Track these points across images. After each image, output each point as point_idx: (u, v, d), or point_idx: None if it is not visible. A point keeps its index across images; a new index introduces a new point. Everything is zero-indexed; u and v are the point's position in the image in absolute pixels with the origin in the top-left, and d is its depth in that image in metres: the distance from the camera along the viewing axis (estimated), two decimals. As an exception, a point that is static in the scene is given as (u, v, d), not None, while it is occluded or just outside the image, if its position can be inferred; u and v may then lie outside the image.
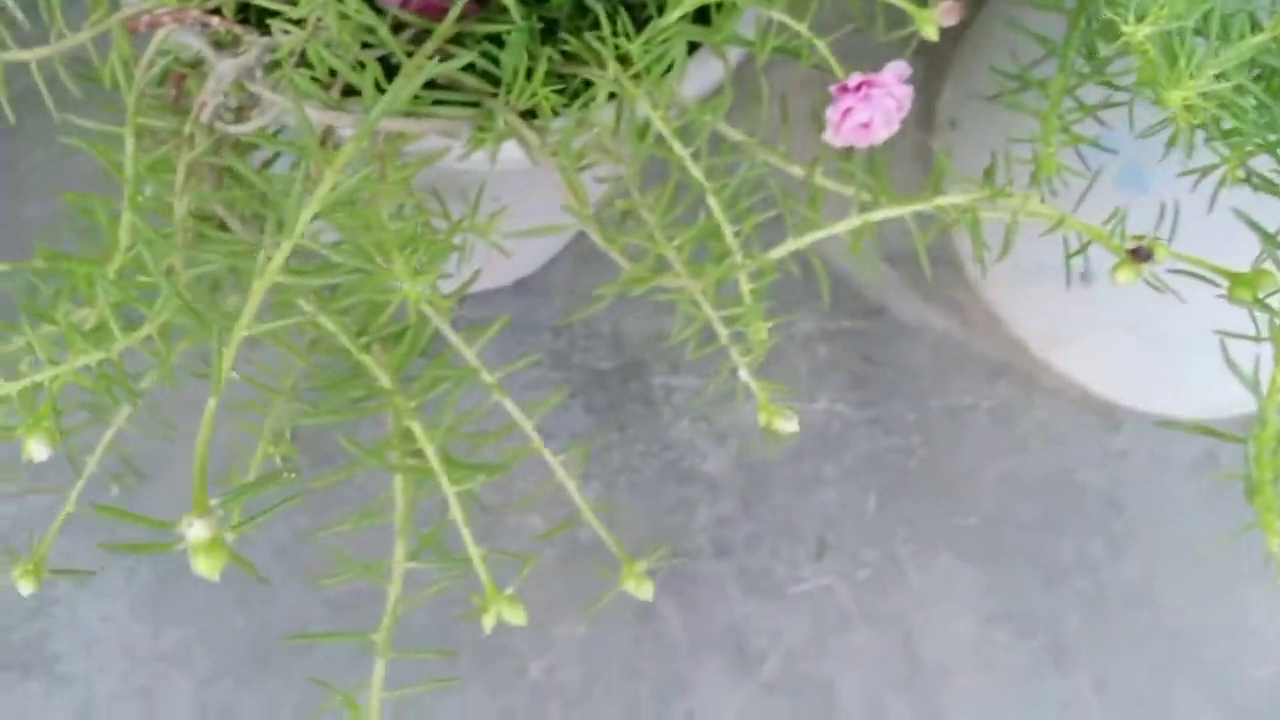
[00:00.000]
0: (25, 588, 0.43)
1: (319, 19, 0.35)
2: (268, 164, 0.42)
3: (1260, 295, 0.39)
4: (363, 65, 0.36)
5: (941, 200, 0.41)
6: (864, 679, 0.68)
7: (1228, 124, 0.35)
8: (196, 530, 0.25)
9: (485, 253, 0.43)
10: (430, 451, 0.39)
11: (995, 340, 0.74)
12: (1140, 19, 0.32)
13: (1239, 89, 0.33)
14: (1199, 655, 0.71)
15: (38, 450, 0.30)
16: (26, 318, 0.35)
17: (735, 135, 0.41)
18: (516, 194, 0.47)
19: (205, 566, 0.26)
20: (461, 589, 0.40)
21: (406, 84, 0.35)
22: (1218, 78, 0.32)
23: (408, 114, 0.37)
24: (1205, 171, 0.39)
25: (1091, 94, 0.43)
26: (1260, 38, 0.33)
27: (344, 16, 0.36)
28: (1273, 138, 0.35)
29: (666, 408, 0.69)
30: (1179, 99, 0.32)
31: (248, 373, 0.43)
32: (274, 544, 0.62)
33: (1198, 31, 0.33)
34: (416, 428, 0.40)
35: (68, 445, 0.40)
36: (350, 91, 0.38)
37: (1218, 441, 0.42)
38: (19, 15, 0.37)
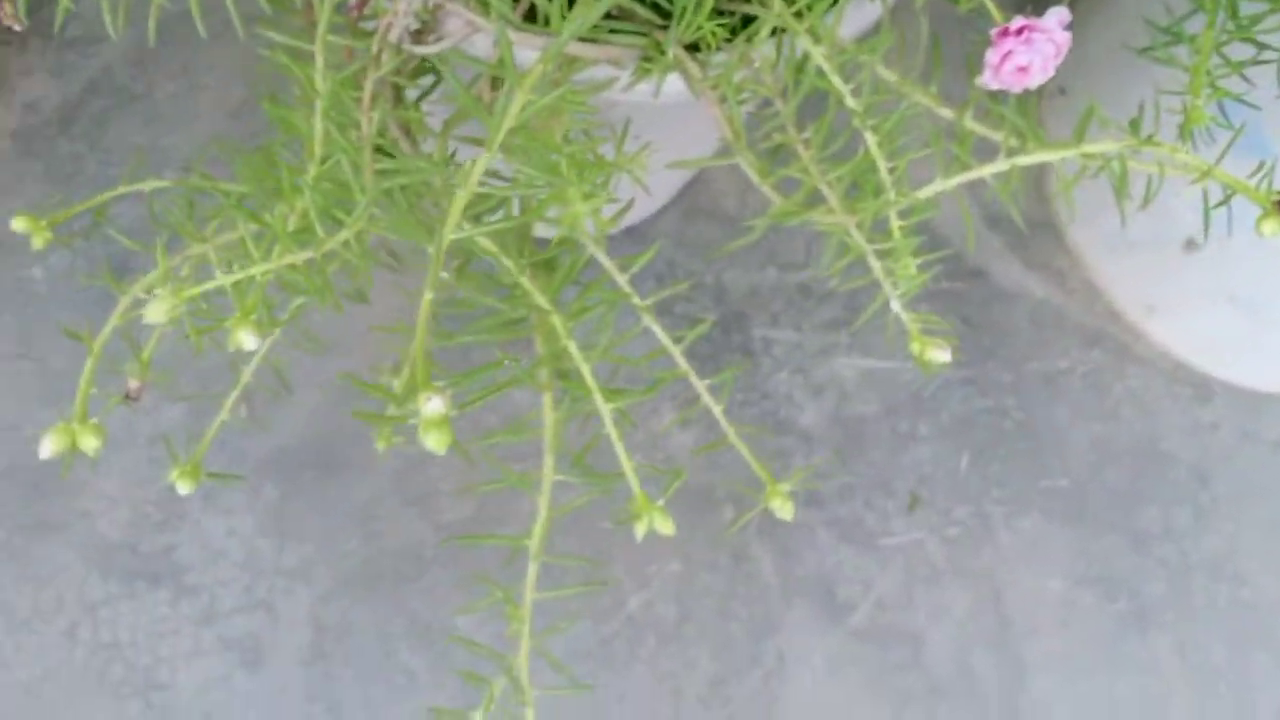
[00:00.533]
0: (183, 487, 0.46)
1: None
2: (426, 92, 0.43)
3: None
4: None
5: (1089, 148, 0.42)
6: (951, 633, 0.69)
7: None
8: (434, 405, 0.27)
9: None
10: (585, 371, 0.41)
11: (1092, 308, 0.75)
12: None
13: None
14: (1278, 628, 0.71)
15: (247, 340, 0.32)
16: (219, 223, 0.36)
17: (889, 76, 0.42)
18: (654, 132, 0.48)
19: (434, 442, 0.27)
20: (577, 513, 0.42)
21: (591, 8, 0.36)
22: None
23: (586, 40, 0.38)
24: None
25: (1235, 51, 0.44)
26: None
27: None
28: None
29: (766, 359, 0.71)
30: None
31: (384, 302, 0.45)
32: (391, 471, 0.64)
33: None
34: (572, 347, 0.41)
35: (226, 355, 0.43)
36: (526, 19, 0.39)
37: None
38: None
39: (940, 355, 0.39)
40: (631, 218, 0.72)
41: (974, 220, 0.76)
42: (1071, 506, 0.72)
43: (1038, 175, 0.76)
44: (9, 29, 0.39)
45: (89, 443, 0.35)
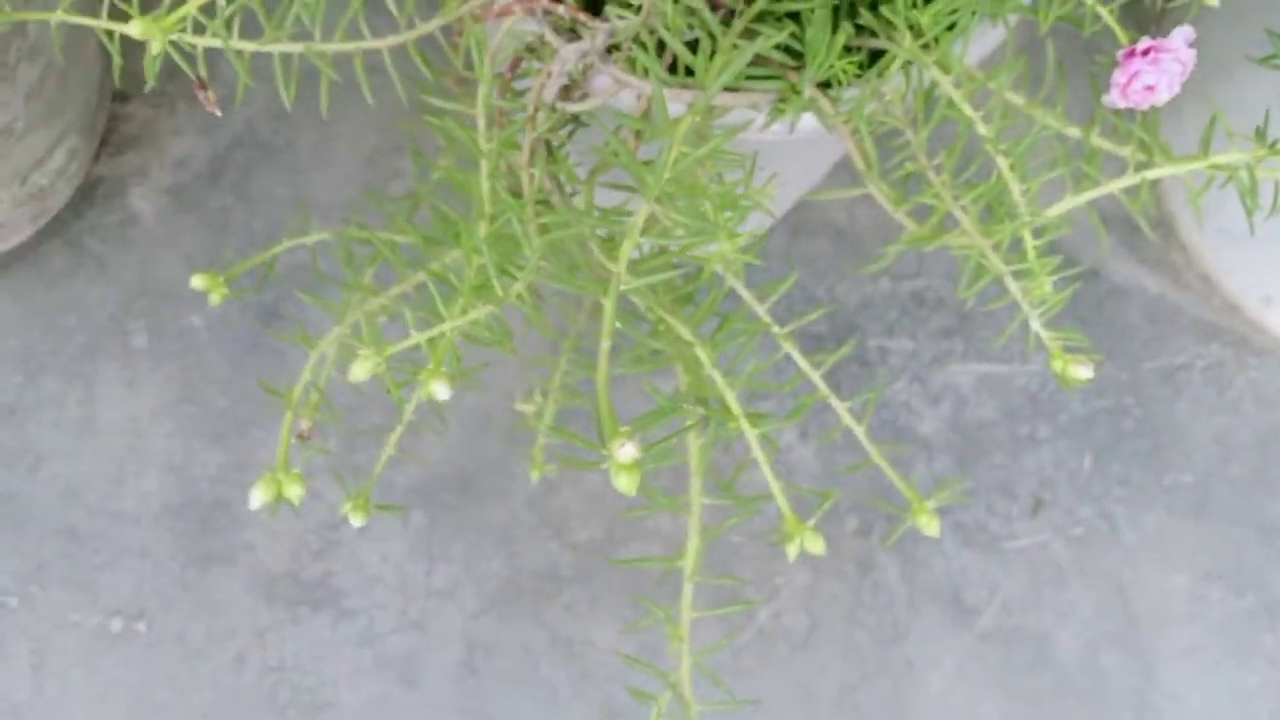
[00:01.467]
0: (355, 520, 0.49)
1: (653, 4, 0.39)
2: (567, 139, 0.46)
3: None
4: (691, 47, 0.40)
5: (1218, 159, 0.43)
6: (1078, 632, 0.70)
7: None
8: (627, 451, 0.29)
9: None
10: (730, 399, 0.43)
11: (1208, 301, 0.74)
12: None
13: None
14: None
15: (441, 391, 0.35)
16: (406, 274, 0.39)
17: (1017, 100, 0.44)
18: (778, 161, 0.50)
19: (626, 485, 0.30)
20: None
21: (737, 61, 0.38)
22: None
23: (728, 89, 0.41)
24: None
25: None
26: None
27: (675, 1, 0.39)
28: None
29: (882, 369, 0.72)
30: None
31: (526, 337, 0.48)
32: (526, 496, 0.67)
33: None
34: (718, 377, 0.44)
35: (391, 391, 0.46)
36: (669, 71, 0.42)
37: None
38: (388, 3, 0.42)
39: (1083, 373, 0.41)
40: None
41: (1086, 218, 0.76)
42: (1196, 502, 0.72)
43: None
44: (162, 93, 0.42)
45: (294, 491, 0.39)
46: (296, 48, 0.43)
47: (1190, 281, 0.75)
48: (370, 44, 0.43)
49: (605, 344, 0.33)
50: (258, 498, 0.38)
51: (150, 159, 0.70)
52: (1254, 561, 0.71)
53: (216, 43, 0.41)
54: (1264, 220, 0.45)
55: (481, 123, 0.41)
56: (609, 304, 0.33)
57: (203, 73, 0.41)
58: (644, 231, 0.37)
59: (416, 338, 0.35)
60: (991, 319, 0.73)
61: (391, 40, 0.43)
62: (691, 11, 0.40)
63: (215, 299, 0.49)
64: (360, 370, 0.34)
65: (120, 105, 0.70)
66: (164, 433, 0.67)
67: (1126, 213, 0.74)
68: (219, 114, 0.39)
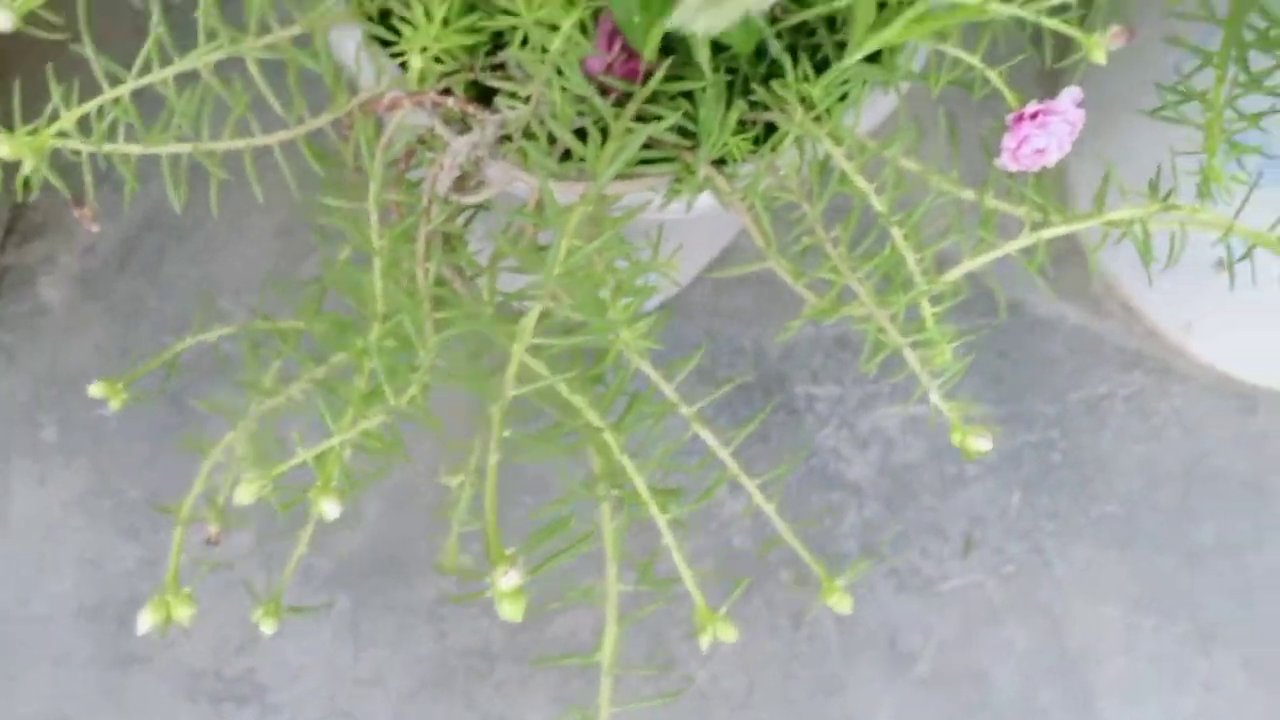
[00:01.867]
0: (267, 628, 0.47)
1: (542, 94, 0.39)
2: (466, 222, 0.45)
3: None
4: (582, 134, 0.39)
5: (1112, 215, 0.43)
6: (1015, 670, 0.70)
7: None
8: (510, 579, 0.28)
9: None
10: (640, 484, 0.43)
11: (1130, 330, 0.76)
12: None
13: None
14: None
15: (330, 510, 0.34)
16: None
17: (912, 166, 0.44)
18: (685, 228, 0.50)
19: (510, 611, 0.29)
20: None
21: (627, 150, 0.38)
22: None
23: (622, 176, 0.40)
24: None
25: (1249, 103, 0.45)
26: None
27: (564, 90, 0.39)
28: None
29: (810, 416, 0.72)
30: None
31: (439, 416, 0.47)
32: (456, 578, 0.66)
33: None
34: (627, 463, 0.43)
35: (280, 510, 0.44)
36: (562, 157, 0.41)
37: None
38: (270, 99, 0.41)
39: (982, 444, 0.41)
40: (668, 291, 0.74)
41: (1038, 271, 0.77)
42: (1124, 532, 0.72)
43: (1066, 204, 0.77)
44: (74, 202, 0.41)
45: (182, 612, 0.37)
46: (184, 148, 0.42)
47: (1111, 310, 0.76)
48: (260, 140, 0.42)
49: (492, 459, 0.32)
50: (145, 622, 0.37)
51: (58, 246, 0.68)
52: (1184, 588, 0.72)
53: (99, 149, 0.40)
54: (1161, 269, 0.46)
55: (374, 218, 0.40)
56: (497, 415, 0.32)
57: (87, 179, 0.40)
58: (541, 321, 0.36)
59: (302, 455, 0.34)
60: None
61: (282, 135, 0.43)
62: (582, 99, 0.40)
63: (115, 405, 0.48)
64: (246, 494, 0.33)
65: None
66: (77, 528, 0.64)
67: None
68: (95, 229, 0.38)
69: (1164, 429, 0.74)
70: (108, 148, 0.40)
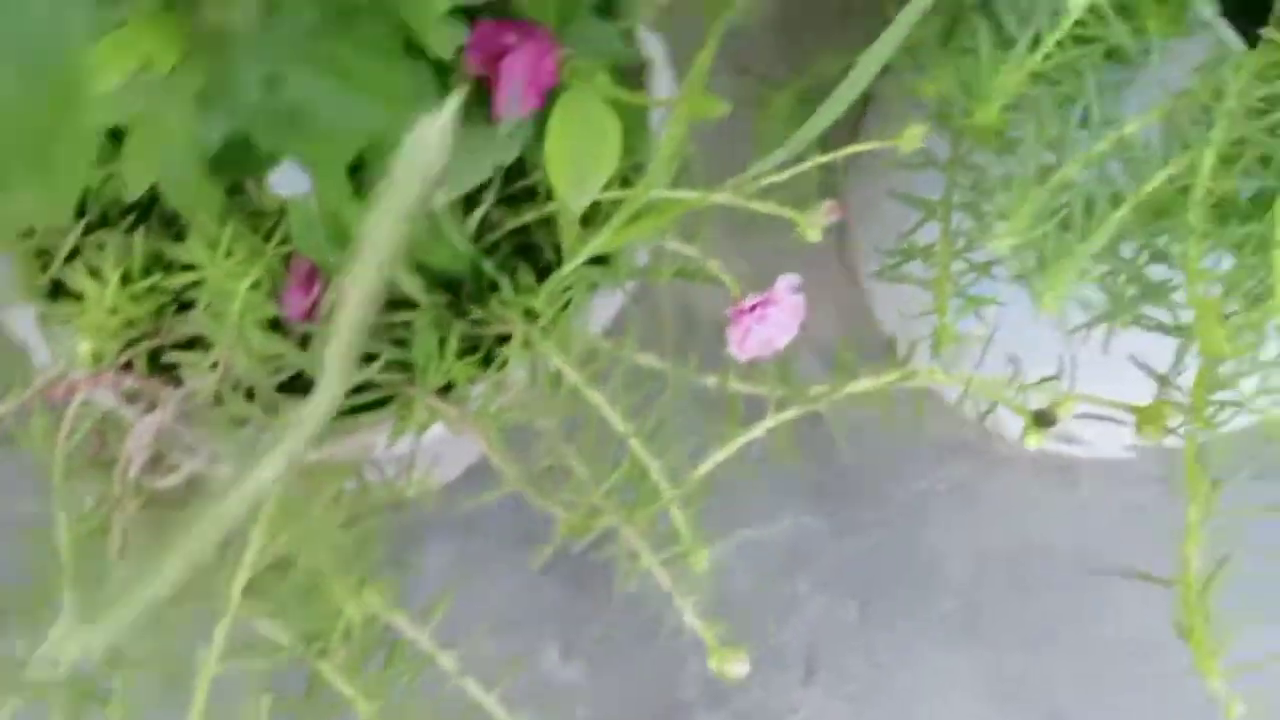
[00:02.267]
0: None
1: (226, 361, 0.37)
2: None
3: (1166, 426, 0.41)
4: (293, 386, 0.37)
5: (853, 388, 0.43)
6: (877, 786, 0.69)
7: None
8: None
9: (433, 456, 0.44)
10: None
11: (945, 420, 0.76)
12: (1002, 219, 0.34)
13: (1112, 270, 0.35)
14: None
15: None
16: None
17: (650, 361, 0.43)
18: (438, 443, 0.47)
19: None
20: None
21: (321, 413, 0.36)
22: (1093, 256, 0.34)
23: (336, 419, 0.38)
24: (1093, 323, 0.41)
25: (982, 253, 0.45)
26: (1120, 212, 0.35)
27: (251, 352, 0.37)
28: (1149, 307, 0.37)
29: (642, 559, 0.70)
30: (1051, 301, 0.34)
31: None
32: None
33: (1064, 225, 0.35)
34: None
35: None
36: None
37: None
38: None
39: (740, 669, 0.39)
40: (472, 458, 0.71)
41: (805, 352, 0.76)
42: (963, 626, 0.72)
43: (866, 305, 0.76)
44: None
45: None
46: None
47: (925, 404, 0.76)
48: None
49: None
50: None
51: None
52: (1032, 674, 0.72)
53: None
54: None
55: (60, 520, 0.37)
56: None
57: None
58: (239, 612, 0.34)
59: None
60: (733, 485, 0.73)
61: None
62: (275, 356, 0.38)
63: None
64: None
65: None
66: None
67: (851, 336, 0.75)
68: None
69: (989, 515, 0.75)
70: None
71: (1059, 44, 0.38)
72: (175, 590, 0.37)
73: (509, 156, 0.36)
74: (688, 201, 0.40)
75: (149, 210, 0.43)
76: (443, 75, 0.31)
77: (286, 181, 0.36)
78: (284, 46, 0.24)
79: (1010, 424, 0.76)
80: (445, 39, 0.29)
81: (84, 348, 0.36)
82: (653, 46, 0.42)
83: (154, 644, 0.37)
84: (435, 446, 0.45)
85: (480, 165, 0.35)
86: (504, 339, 0.43)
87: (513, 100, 0.35)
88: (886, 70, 0.33)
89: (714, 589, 0.70)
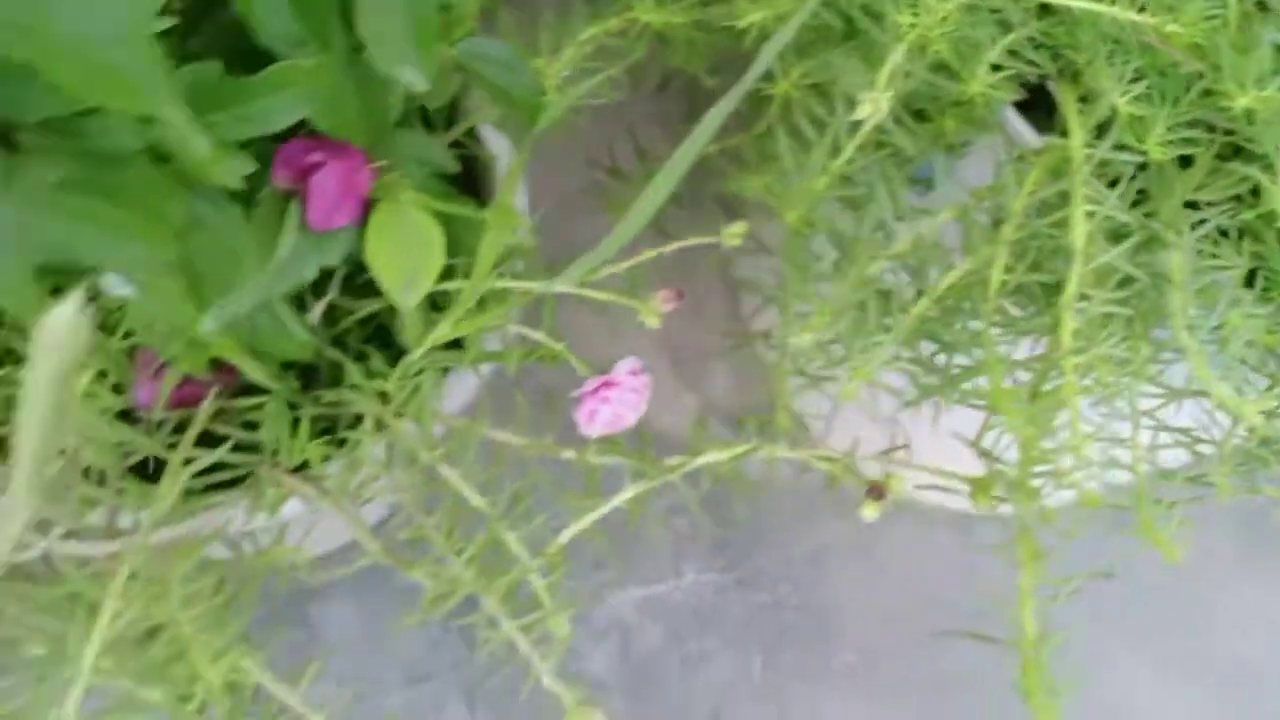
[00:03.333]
0: None
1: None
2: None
3: (995, 496, 0.43)
4: (144, 466, 0.38)
5: (703, 459, 0.44)
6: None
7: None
8: None
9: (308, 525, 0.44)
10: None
11: (839, 477, 0.78)
12: (805, 321, 0.35)
13: (914, 360, 0.37)
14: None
15: None
16: None
17: (509, 438, 0.44)
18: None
19: None
20: None
21: (163, 503, 0.37)
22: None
23: (183, 513, 0.39)
24: (907, 405, 0.43)
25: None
26: (920, 306, 0.37)
27: (100, 443, 0.38)
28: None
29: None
30: (851, 391, 0.36)
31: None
32: None
33: (861, 319, 0.36)
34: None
35: None
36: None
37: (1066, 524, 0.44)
38: None
39: (597, 720, 0.41)
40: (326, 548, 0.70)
41: (714, 417, 0.78)
42: (866, 678, 0.73)
43: (755, 370, 0.78)
44: None
45: None
46: None
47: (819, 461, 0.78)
48: None
49: None
50: None
51: None
52: None
53: None
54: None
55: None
56: None
57: None
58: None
59: None
60: (640, 542, 0.74)
61: None
62: (118, 444, 0.39)
63: None
64: None
65: None
66: None
67: (744, 406, 0.76)
68: None
69: (886, 568, 0.76)
70: None
71: (859, 148, 0.40)
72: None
73: (333, 260, 0.37)
74: (526, 292, 0.42)
75: None
76: (243, 192, 0.32)
77: (117, 284, 0.37)
78: (28, 200, 0.25)
79: (905, 478, 0.78)
80: (231, 171, 0.31)
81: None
82: (496, 144, 0.44)
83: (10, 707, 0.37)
84: (311, 517, 0.46)
85: (306, 267, 0.36)
86: (359, 419, 0.44)
87: (327, 213, 0.36)
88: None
89: (621, 645, 0.71)
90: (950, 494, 0.78)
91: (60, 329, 0.19)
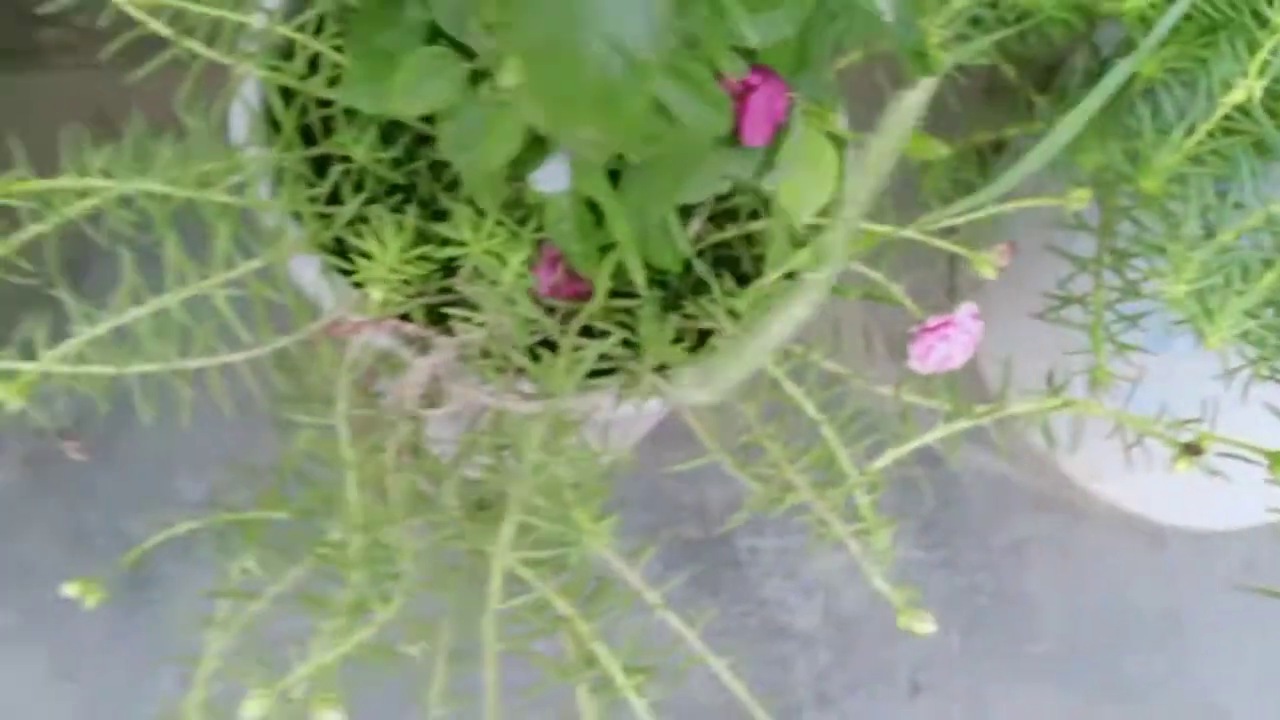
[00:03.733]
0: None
1: (496, 320, 0.43)
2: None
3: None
4: (535, 355, 0.43)
5: (1014, 409, 0.48)
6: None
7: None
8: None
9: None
10: (615, 669, 0.45)
11: (1044, 477, 0.80)
12: (1177, 274, 0.39)
13: (1265, 325, 0.41)
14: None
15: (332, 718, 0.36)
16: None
17: (834, 367, 0.48)
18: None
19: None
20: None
21: (580, 367, 0.42)
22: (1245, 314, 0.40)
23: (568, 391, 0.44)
24: (1233, 372, 0.46)
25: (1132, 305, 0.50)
26: (1272, 275, 0.40)
27: (517, 315, 0.43)
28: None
29: (754, 568, 0.75)
30: (1216, 341, 0.39)
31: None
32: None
33: (1226, 281, 0.40)
34: (601, 650, 0.45)
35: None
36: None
37: (1256, 550, 0.46)
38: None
39: (926, 627, 0.44)
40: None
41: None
42: (1058, 669, 0.76)
43: (972, 370, 0.82)
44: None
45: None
46: (153, 367, 0.45)
47: (1025, 460, 0.81)
48: (227, 358, 0.45)
49: (490, 676, 0.35)
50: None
51: (5, 429, 0.69)
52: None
53: (75, 368, 0.43)
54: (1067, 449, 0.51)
55: (343, 434, 0.43)
56: (487, 638, 0.35)
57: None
58: (515, 545, 0.40)
59: (303, 670, 0.36)
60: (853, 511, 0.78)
61: (247, 354, 0.46)
62: (533, 320, 0.44)
63: (91, 603, 0.49)
64: (253, 711, 0.35)
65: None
66: (43, 715, 0.65)
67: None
68: (85, 459, 0.40)
69: (1082, 567, 0.79)
70: (81, 370, 0.43)
71: (1210, 133, 0.44)
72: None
73: (746, 174, 0.42)
74: (881, 232, 0.46)
75: (409, 193, 0.50)
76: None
77: (549, 179, 0.42)
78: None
79: (1105, 484, 0.80)
80: (736, 69, 0.36)
81: (376, 296, 0.43)
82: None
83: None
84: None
85: (723, 176, 0.41)
86: (706, 333, 0.49)
87: (754, 131, 0.41)
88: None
89: (826, 604, 0.75)
90: (1142, 505, 0.80)
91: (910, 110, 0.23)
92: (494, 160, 0.39)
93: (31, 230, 0.38)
